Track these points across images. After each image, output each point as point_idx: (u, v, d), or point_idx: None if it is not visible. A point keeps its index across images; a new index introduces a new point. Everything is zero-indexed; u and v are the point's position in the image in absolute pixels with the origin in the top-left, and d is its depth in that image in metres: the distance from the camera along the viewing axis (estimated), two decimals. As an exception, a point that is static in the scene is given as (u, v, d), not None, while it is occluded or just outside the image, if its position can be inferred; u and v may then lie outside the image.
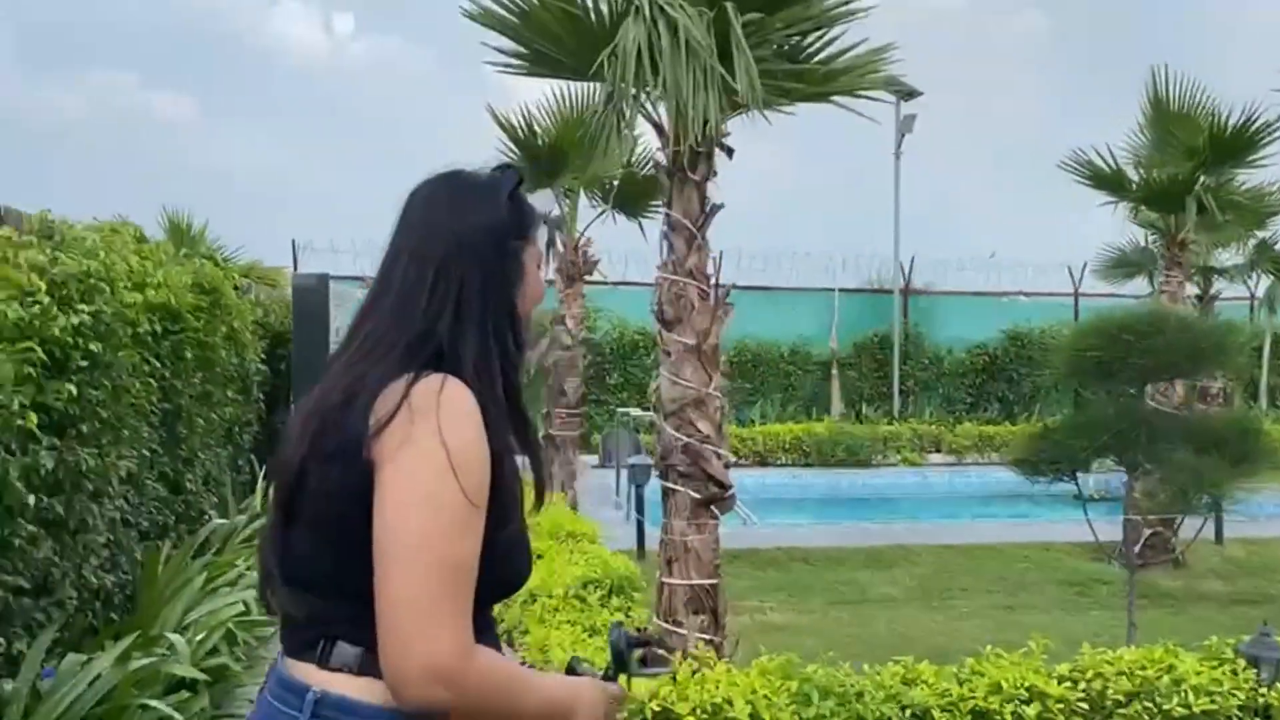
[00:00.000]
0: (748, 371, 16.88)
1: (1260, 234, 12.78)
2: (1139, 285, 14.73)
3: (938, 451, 15.51)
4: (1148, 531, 8.08)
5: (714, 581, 3.96)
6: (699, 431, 3.90)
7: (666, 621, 3.95)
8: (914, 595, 7.83)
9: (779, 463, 14.88)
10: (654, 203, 7.08)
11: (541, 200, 8.13)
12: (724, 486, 3.94)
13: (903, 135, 17.17)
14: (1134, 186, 8.39)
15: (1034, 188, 24.29)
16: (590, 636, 4.32)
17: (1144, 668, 3.98)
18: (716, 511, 3.97)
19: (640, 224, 8.00)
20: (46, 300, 3.50)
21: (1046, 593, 7.92)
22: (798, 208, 22.91)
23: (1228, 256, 13.93)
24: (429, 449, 1.33)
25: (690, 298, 3.96)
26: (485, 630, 1.44)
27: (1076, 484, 4.54)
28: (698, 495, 3.90)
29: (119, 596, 4.50)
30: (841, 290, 17.64)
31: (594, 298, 13.46)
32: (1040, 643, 4.06)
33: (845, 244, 17.80)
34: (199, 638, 4.08)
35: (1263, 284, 16.24)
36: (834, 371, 17.09)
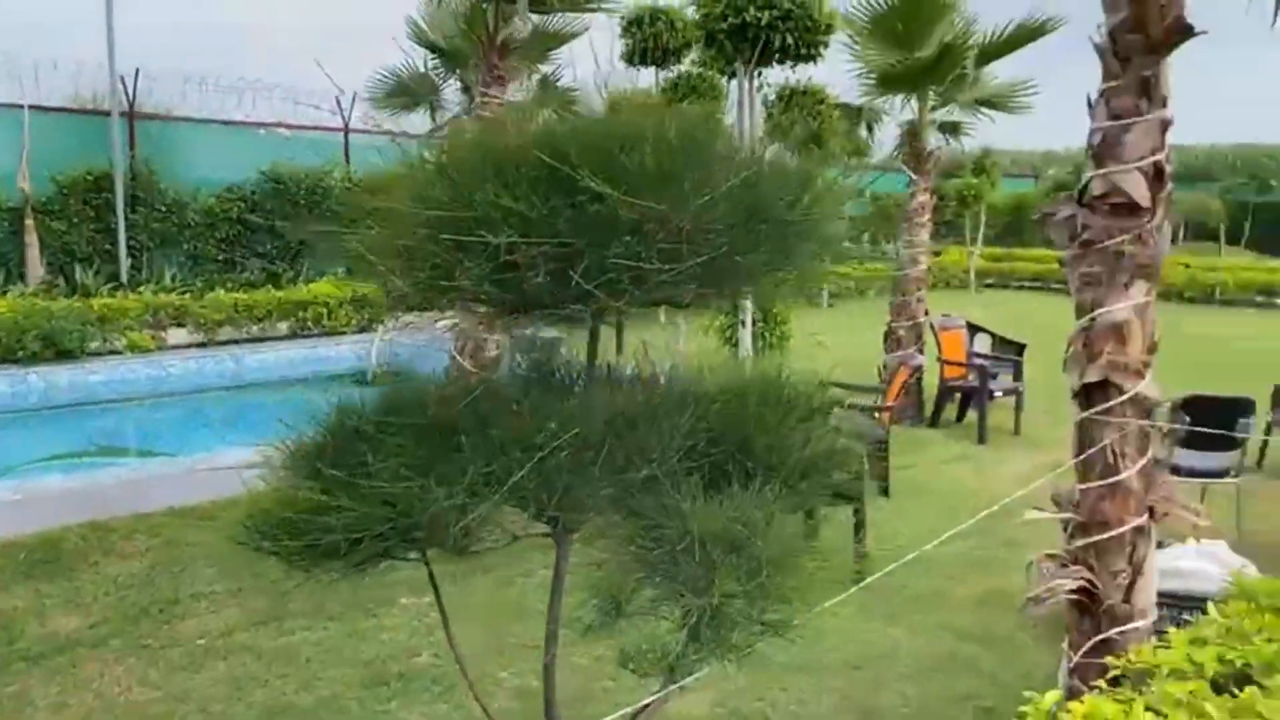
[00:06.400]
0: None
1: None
2: (419, 121, 12.83)
3: (181, 327, 11.84)
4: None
5: None
6: None
7: None
8: (116, 636, 4.50)
9: (-69, 362, 9.90)
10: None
11: None
12: None
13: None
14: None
15: None
16: None
17: None
18: None
19: None
20: None
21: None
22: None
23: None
24: None
25: None
26: None
27: None
28: None
29: None
30: (34, 108, 12.63)
31: None
32: None
33: (42, 44, 12.63)
34: None
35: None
36: (29, 222, 12.30)
